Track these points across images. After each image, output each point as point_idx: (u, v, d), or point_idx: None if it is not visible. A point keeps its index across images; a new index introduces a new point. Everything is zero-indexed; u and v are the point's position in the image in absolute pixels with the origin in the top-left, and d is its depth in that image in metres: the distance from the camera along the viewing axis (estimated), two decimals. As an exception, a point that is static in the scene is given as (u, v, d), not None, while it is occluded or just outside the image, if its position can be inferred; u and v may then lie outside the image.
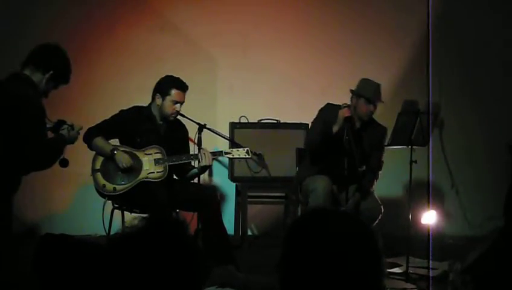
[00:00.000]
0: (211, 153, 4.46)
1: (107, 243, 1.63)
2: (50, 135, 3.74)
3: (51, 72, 3.57)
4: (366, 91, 4.54)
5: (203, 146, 4.51)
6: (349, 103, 4.52)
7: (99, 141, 4.38)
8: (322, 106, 4.69)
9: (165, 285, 1.53)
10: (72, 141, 3.83)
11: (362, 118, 4.55)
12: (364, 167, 4.62)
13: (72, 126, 3.77)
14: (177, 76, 4.50)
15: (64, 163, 3.80)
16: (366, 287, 1.48)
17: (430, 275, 4.25)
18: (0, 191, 3.51)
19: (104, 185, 4.36)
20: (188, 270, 1.56)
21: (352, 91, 4.60)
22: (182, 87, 4.46)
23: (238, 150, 4.61)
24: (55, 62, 3.60)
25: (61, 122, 3.80)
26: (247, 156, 4.63)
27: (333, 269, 1.47)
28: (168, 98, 4.44)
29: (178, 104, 4.45)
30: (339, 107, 4.53)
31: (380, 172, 4.72)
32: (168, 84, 4.46)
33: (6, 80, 3.59)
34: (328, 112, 4.61)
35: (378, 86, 4.59)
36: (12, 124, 3.45)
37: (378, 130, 4.69)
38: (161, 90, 4.46)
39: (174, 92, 4.44)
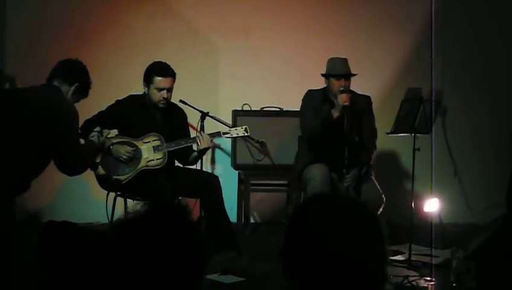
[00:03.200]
0: (208, 134, 4.44)
1: (110, 228, 1.63)
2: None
3: (76, 84, 3.80)
4: (332, 68, 4.58)
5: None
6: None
7: None
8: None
9: (167, 270, 1.52)
10: (101, 146, 4.16)
11: (337, 95, 4.52)
12: (357, 138, 4.59)
13: (101, 132, 4.10)
14: (163, 62, 4.44)
15: (95, 167, 4.23)
16: (368, 272, 1.48)
17: (433, 262, 4.25)
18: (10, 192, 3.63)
19: (105, 177, 4.35)
20: (190, 255, 1.56)
21: (322, 75, 4.65)
22: (165, 73, 4.39)
23: (236, 129, 4.61)
24: (79, 75, 3.84)
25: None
26: (245, 134, 4.61)
27: (335, 254, 1.46)
28: (152, 86, 4.41)
29: (163, 91, 4.40)
30: (319, 91, 4.65)
31: (376, 141, 4.70)
32: (150, 72, 4.42)
33: (39, 88, 3.79)
34: (313, 98, 4.66)
35: (344, 60, 4.61)
36: (48, 130, 3.60)
37: (361, 100, 4.68)
38: (145, 78, 4.44)
39: (157, 79, 4.39)
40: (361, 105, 4.66)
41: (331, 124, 4.47)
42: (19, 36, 5.64)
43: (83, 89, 3.86)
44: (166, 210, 1.61)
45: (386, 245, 1.52)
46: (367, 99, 4.76)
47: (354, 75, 4.61)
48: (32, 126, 3.59)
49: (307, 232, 1.50)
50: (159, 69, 4.40)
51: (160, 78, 4.39)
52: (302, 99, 4.75)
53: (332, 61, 4.65)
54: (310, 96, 4.72)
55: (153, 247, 1.52)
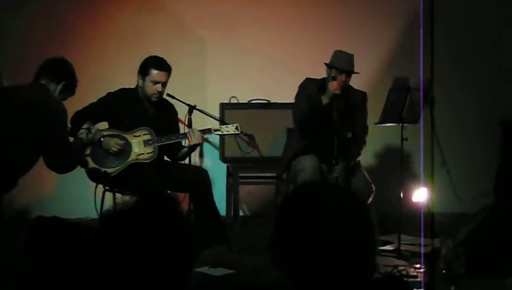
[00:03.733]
0: (199, 130, 4.45)
1: (99, 220, 1.62)
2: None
3: (63, 82, 3.83)
4: (337, 61, 4.56)
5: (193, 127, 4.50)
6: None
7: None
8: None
9: (156, 261, 1.52)
10: (91, 143, 4.18)
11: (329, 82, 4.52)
12: (350, 134, 4.61)
13: (89, 129, 4.11)
14: (160, 56, 4.47)
15: (85, 163, 4.25)
16: (358, 260, 1.48)
17: (422, 251, 4.27)
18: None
19: (94, 170, 4.34)
20: (179, 247, 1.55)
21: (326, 64, 4.63)
22: (162, 67, 4.42)
23: (227, 127, 4.61)
24: (66, 74, 3.87)
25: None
26: (236, 132, 4.62)
27: (324, 242, 1.46)
28: (147, 78, 4.42)
29: (158, 85, 4.41)
30: (317, 80, 4.63)
31: (367, 137, 4.71)
32: (148, 65, 4.43)
33: (28, 86, 3.82)
34: (309, 86, 4.64)
35: (350, 55, 4.59)
36: (37, 128, 3.61)
37: (357, 95, 4.69)
38: (141, 70, 4.45)
39: (153, 72, 4.40)
40: (356, 100, 4.66)
41: (320, 110, 4.46)
42: (1, 34, 5.60)
43: (70, 87, 3.88)
44: (155, 201, 1.60)
45: (376, 233, 1.53)
46: (362, 95, 4.76)
47: (356, 73, 4.59)
48: (20, 124, 3.59)
49: (296, 221, 1.50)
50: (157, 63, 4.42)
51: (157, 71, 4.41)
52: (299, 85, 4.71)
53: (338, 54, 4.60)
54: (306, 84, 4.70)
55: (141, 238, 1.51)
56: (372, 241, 1.51)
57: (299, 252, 1.48)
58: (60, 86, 3.82)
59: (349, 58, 4.59)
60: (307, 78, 4.72)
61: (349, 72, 4.56)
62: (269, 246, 1.55)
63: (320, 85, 4.65)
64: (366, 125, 4.72)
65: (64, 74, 3.85)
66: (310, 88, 4.65)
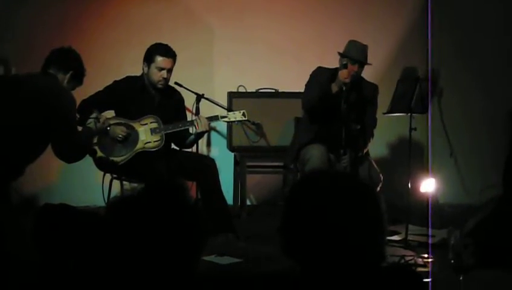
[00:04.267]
0: (206, 118, 4.44)
1: (107, 205, 1.62)
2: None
3: (71, 72, 3.83)
4: (351, 52, 4.54)
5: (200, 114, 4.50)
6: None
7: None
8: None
9: (164, 249, 1.51)
10: (99, 132, 4.18)
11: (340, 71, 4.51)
12: (358, 127, 4.60)
13: (98, 118, 4.10)
14: (165, 43, 4.47)
15: (93, 152, 4.25)
16: (367, 247, 1.46)
17: (429, 242, 4.26)
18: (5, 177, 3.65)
19: (102, 158, 4.35)
20: (188, 234, 1.55)
21: (339, 53, 4.61)
22: (167, 53, 4.42)
23: (234, 113, 4.61)
24: (74, 63, 3.86)
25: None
26: (243, 118, 4.61)
27: (334, 229, 1.45)
28: (153, 65, 4.42)
29: (164, 71, 4.41)
30: (329, 70, 4.61)
31: (375, 130, 4.70)
32: (153, 52, 4.44)
33: (36, 75, 3.81)
34: (321, 74, 4.63)
35: (363, 46, 4.57)
36: (47, 117, 3.62)
37: (369, 87, 4.68)
38: (147, 58, 4.45)
39: (158, 58, 4.41)
40: (367, 92, 4.64)
41: (329, 97, 4.45)
42: (9, 23, 5.60)
43: (78, 76, 3.88)
44: (164, 188, 1.60)
45: (386, 222, 1.51)
46: (374, 87, 4.73)
47: (368, 64, 4.57)
48: (29, 112, 3.60)
49: (305, 208, 1.49)
50: (162, 49, 4.43)
51: (162, 58, 4.41)
52: (311, 73, 4.70)
53: (352, 44, 4.58)
54: (318, 72, 4.69)
55: (149, 225, 1.51)
56: (382, 229, 1.50)
57: (309, 239, 1.47)
58: (67, 76, 3.82)
59: (363, 48, 4.57)
60: (319, 67, 4.71)
61: (362, 63, 4.54)
62: (278, 233, 1.54)
63: (332, 74, 4.64)
64: (375, 119, 4.70)
65: (72, 64, 3.85)
66: (321, 76, 4.63)
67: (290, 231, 1.51)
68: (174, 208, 1.55)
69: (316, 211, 1.47)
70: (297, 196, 1.52)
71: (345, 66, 4.44)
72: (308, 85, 4.67)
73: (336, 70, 4.62)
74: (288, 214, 1.52)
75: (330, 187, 1.50)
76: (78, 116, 4.06)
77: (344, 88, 4.39)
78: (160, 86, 4.45)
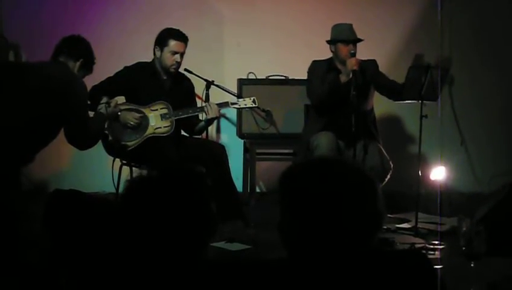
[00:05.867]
0: (216, 104, 4.45)
1: (125, 184, 1.61)
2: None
3: (81, 60, 3.84)
4: (340, 34, 4.59)
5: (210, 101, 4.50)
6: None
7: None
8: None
9: (176, 233, 1.51)
10: (110, 117, 4.18)
11: (346, 60, 4.51)
12: (369, 107, 4.63)
13: (109, 103, 4.11)
14: (176, 28, 4.47)
15: (104, 137, 4.24)
16: (358, 235, 1.44)
17: (439, 229, 4.25)
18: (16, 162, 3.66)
19: (112, 144, 4.36)
20: (201, 220, 1.55)
21: (328, 41, 4.65)
22: (180, 37, 4.44)
23: (244, 100, 4.62)
24: (84, 51, 3.88)
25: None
26: (253, 105, 4.62)
27: (326, 216, 1.44)
28: (166, 49, 4.43)
29: (177, 55, 4.43)
30: (325, 61, 4.68)
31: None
32: (166, 36, 4.45)
33: (48, 63, 3.83)
34: (319, 68, 4.68)
35: (349, 25, 4.62)
36: (59, 104, 3.63)
37: (369, 65, 4.69)
38: (159, 42, 4.46)
39: (172, 42, 4.42)
40: (370, 70, 4.65)
41: (339, 89, 4.46)
42: (18, 9, 5.60)
43: (88, 65, 3.90)
44: (183, 173, 1.60)
45: (380, 205, 1.48)
46: (373, 63, 4.77)
47: (361, 40, 4.59)
48: (41, 100, 3.61)
49: (295, 196, 1.48)
50: (175, 33, 4.45)
51: (175, 41, 4.43)
52: (308, 70, 4.76)
53: (338, 27, 4.65)
54: (315, 66, 4.74)
55: (165, 207, 1.51)
56: (375, 220, 1.47)
57: (303, 226, 1.46)
58: (78, 64, 3.84)
59: (350, 27, 4.63)
60: (314, 61, 4.76)
61: (355, 41, 4.57)
62: (278, 226, 1.54)
63: (328, 65, 4.66)
64: (393, 80, 4.68)
65: (82, 52, 3.87)
66: (319, 70, 4.68)
67: (282, 223, 1.50)
68: (190, 194, 1.55)
69: (305, 202, 1.45)
70: (286, 190, 1.51)
71: (352, 55, 4.46)
72: (311, 83, 4.70)
73: (330, 60, 4.65)
74: (281, 206, 1.51)
75: (321, 174, 1.48)
76: (89, 102, 4.07)
77: (352, 76, 4.39)
78: (173, 69, 4.46)
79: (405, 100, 4.61)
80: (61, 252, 2.55)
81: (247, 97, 4.65)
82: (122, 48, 5.53)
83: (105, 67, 4.43)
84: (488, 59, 5.87)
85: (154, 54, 4.50)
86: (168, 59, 4.44)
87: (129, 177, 4.42)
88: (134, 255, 1.53)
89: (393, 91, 4.62)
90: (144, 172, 1.72)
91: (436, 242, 3.99)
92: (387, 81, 4.71)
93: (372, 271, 1.42)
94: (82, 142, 3.86)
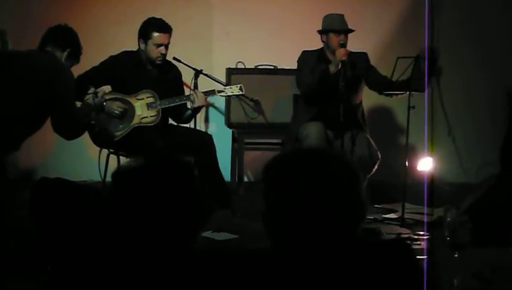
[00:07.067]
0: (203, 92, 4.43)
1: (112, 174, 1.60)
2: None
3: (68, 49, 3.82)
4: (331, 24, 4.60)
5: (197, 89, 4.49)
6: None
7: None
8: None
9: (165, 224, 1.51)
10: (97, 107, 4.16)
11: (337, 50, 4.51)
12: (358, 100, 4.64)
13: (96, 93, 4.10)
14: (159, 17, 4.42)
15: (90, 127, 4.20)
16: (341, 223, 1.45)
17: (425, 220, 4.27)
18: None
19: (98, 133, 4.34)
20: (190, 211, 1.55)
21: (319, 31, 4.65)
22: (163, 28, 4.39)
23: (231, 87, 4.61)
24: (71, 41, 3.86)
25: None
26: (240, 92, 4.61)
27: (310, 206, 1.44)
28: (150, 42, 4.40)
29: (162, 47, 4.39)
30: (315, 51, 4.68)
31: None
32: (149, 28, 4.40)
33: (35, 51, 3.81)
34: (309, 58, 4.68)
35: (341, 16, 4.63)
36: (44, 92, 3.61)
37: (359, 58, 4.69)
38: (143, 34, 4.42)
39: (155, 34, 4.38)
40: (360, 63, 4.65)
41: (328, 79, 4.46)
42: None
43: (75, 54, 3.88)
44: (171, 164, 1.59)
45: (365, 199, 1.48)
46: (364, 55, 4.77)
47: (353, 31, 4.60)
48: (27, 89, 3.59)
49: (279, 189, 1.48)
50: (158, 25, 4.39)
51: (159, 33, 4.38)
52: (298, 60, 4.76)
53: (330, 17, 4.65)
54: (305, 56, 4.74)
55: (154, 198, 1.50)
56: (358, 211, 1.47)
57: (281, 220, 1.46)
58: (65, 54, 3.82)
59: (342, 18, 4.63)
60: (304, 51, 4.76)
61: (347, 31, 4.58)
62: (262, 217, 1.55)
63: (318, 56, 4.67)
64: (384, 76, 4.65)
65: (69, 42, 3.85)
66: (309, 60, 4.68)
67: (269, 211, 1.50)
68: (179, 185, 1.54)
69: (290, 189, 1.45)
70: (272, 175, 1.51)
71: (342, 45, 4.47)
72: (301, 73, 4.70)
73: (321, 50, 4.66)
74: (265, 193, 1.51)
75: (304, 165, 1.48)
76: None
77: (341, 66, 4.39)
78: (159, 61, 4.44)
79: (393, 91, 4.61)
80: (47, 241, 2.54)
81: (234, 85, 4.65)
82: (110, 37, 5.49)
83: (93, 57, 4.41)
84: (476, 50, 5.89)
85: (139, 45, 4.47)
86: (153, 52, 4.40)
87: (117, 167, 4.41)
88: (123, 246, 1.53)
89: (384, 86, 4.61)
90: (131, 161, 1.71)
91: (422, 233, 4.01)
92: (378, 76, 4.71)
93: (356, 262, 1.43)
94: (68, 131, 3.85)
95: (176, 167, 1.60)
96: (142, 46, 4.44)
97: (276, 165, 1.52)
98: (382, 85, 4.62)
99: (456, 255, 2.12)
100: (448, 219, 2.10)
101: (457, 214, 2.14)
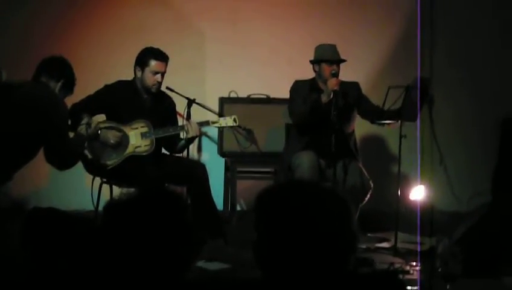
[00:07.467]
0: (197, 123, 4.45)
1: (104, 208, 1.61)
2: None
3: (62, 80, 3.85)
4: (324, 54, 4.64)
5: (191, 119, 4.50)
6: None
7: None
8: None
9: (157, 256, 1.51)
10: (91, 137, 4.17)
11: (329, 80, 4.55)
12: (350, 129, 4.69)
13: (89, 124, 4.11)
14: (156, 47, 4.48)
15: (84, 157, 4.22)
16: (332, 255, 1.45)
17: (418, 249, 4.27)
18: None
19: (92, 162, 4.34)
20: (182, 243, 1.55)
21: (311, 61, 4.70)
22: (161, 57, 4.44)
23: (225, 119, 4.63)
24: (65, 72, 3.89)
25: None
26: (234, 124, 4.63)
27: (301, 238, 1.44)
28: (147, 69, 4.43)
29: (158, 75, 4.43)
30: (307, 81, 4.72)
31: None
32: (146, 56, 4.44)
33: (29, 82, 3.82)
34: (301, 88, 4.71)
35: (333, 46, 4.67)
36: (37, 123, 3.63)
37: (351, 87, 4.73)
38: (140, 62, 4.46)
39: (152, 62, 4.42)
40: (352, 92, 4.69)
41: (320, 109, 4.49)
42: (1, 25, 5.59)
43: (69, 85, 3.91)
44: (162, 196, 1.60)
45: (356, 230, 1.49)
46: (355, 85, 4.81)
47: (345, 61, 4.64)
48: (21, 120, 3.60)
49: (271, 220, 1.49)
50: (156, 53, 4.44)
51: (156, 61, 4.42)
52: (290, 89, 4.79)
53: (322, 48, 4.69)
54: (297, 86, 4.78)
55: (145, 231, 1.51)
56: (349, 242, 1.48)
57: (272, 251, 1.46)
58: (59, 84, 3.85)
59: (334, 48, 4.67)
60: (297, 81, 4.80)
61: (339, 62, 4.62)
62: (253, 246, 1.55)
63: (310, 85, 4.70)
64: (377, 105, 4.68)
65: (63, 73, 3.88)
66: (301, 89, 4.72)
67: (257, 244, 1.51)
68: (171, 217, 1.55)
69: (281, 220, 1.46)
70: (264, 206, 1.52)
71: (334, 75, 4.51)
72: (293, 102, 4.73)
73: (313, 80, 4.70)
74: (257, 224, 1.52)
75: (296, 197, 1.49)
76: (69, 121, 4.06)
77: (332, 96, 4.42)
78: (154, 89, 4.47)
79: (385, 120, 4.63)
80: (39, 271, 2.53)
81: (228, 116, 4.67)
82: (104, 64, 5.53)
83: (88, 83, 4.43)
84: (466, 80, 5.95)
85: (135, 73, 4.50)
86: (149, 79, 4.44)
87: (109, 196, 4.41)
88: (116, 276, 1.53)
89: (376, 116, 4.63)
90: (124, 191, 1.71)
91: (414, 263, 4.01)
92: (369, 105, 4.74)
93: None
94: (61, 162, 3.85)
95: (167, 199, 1.61)
96: (139, 73, 4.47)
97: (267, 197, 1.53)
98: (374, 114, 4.66)
99: (448, 287, 2.12)
100: (440, 250, 2.11)
101: (449, 245, 2.15)
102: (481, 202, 5.26)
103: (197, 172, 4.48)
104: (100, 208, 4.38)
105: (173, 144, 4.59)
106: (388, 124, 4.62)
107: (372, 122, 4.74)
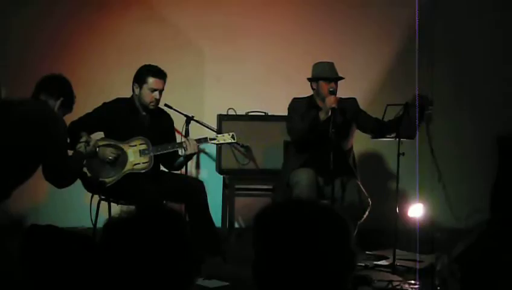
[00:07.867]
0: (195, 140, 4.46)
1: (103, 226, 1.60)
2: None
3: (62, 99, 3.88)
4: (322, 72, 4.66)
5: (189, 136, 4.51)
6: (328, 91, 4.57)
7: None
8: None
9: (156, 276, 1.51)
10: (89, 155, 4.16)
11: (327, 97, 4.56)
12: (349, 145, 4.69)
13: (87, 142, 4.09)
14: (154, 64, 4.50)
15: (82, 174, 4.23)
16: (331, 273, 1.45)
17: (417, 267, 4.26)
18: None
19: (90, 180, 4.34)
20: (182, 263, 1.55)
21: (309, 79, 4.71)
22: (159, 74, 4.46)
23: (223, 136, 4.63)
24: (64, 90, 3.92)
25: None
26: (232, 141, 4.64)
27: (299, 257, 1.45)
28: (145, 86, 4.45)
29: (156, 92, 4.45)
30: (305, 98, 4.74)
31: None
32: (145, 73, 4.47)
33: (28, 100, 3.85)
34: (299, 105, 4.73)
35: (331, 63, 4.69)
36: (36, 141, 3.64)
37: (349, 103, 4.73)
38: (138, 79, 4.48)
39: (150, 80, 4.44)
40: (349, 108, 4.70)
41: (318, 126, 4.50)
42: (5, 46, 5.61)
43: (68, 103, 3.94)
44: (161, 215, 1.60)
45: (355, 249, 1.49)
46: (353, 101, 4.82)
47: (343, 78, 4.65)
48: (19, 138, 3.61)
49: (269, 240, 1.49)
50: (154, 71, 4.46)
51: (154, 78, 4.44)
52: (288, 107, 4.80)
53: (320, 65, 4.70)
54: (295, 103, 4.79)
55: (145, 248, 1.51)
56: (348, 261, 1.48)
57: (271, 270, 1.47)
58: (58, 103, 3.87)
59: (331, 65, 4.70)
60: (294, 99, 4.81)
61: (337, 79, 4.64)
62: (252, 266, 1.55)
63: (308, 103, 4.71)
64: (375, 118, 4.68)
65: (62, 91, 3.91)
66: (299, 107, 4.74)
67: (259, 261, 1.51)
68: (170, 237, 1.55)
69: (279, 240, 1.46)
70: (262, 225, 1.52)
71: (332, 92, 4.51)
72: (292, 120, 4.74)
73: (311, 97, 4.71)
74: (255, 243, 1.52)
75: (294, 216, 1.49)
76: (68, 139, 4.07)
77: (331, 113, 4.43)
78: (152, 106, 4.48)
79: (383, 138, 4.64)
80: (38, 288, 2.52)
81: (226, 133, 4.68)
82: (103, 81, 5.55)
83: (86, 100, 4.45)
84: (465, 98, 5.97)
85: (133, 90, 4.52)
86: (147, 96, 4.45)
87: (107, 213, 4.40)
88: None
89: (376, 129, 4.64)
90: (124, 209, 1.72)
91: (413, 281, 4.00)
92: (368, 119, 4.74)
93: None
94: (59, 180, 3.85)
95: (166, 217, 1.61)
96: (137, 90, 4.48)
97: (266, 215, 1.53)
98: (373, 127, 4.66)
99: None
100: (438, 268, 2.11)
101: (448, 263, 2.15)
102: (480, 219, 5.25)
103: (196, 189, 4.48)
104: (98, 225, 4.37)
105: (171, 161, 4.60)
106: (388, 138, 4.61)
107: (374, 136, 4.74)
